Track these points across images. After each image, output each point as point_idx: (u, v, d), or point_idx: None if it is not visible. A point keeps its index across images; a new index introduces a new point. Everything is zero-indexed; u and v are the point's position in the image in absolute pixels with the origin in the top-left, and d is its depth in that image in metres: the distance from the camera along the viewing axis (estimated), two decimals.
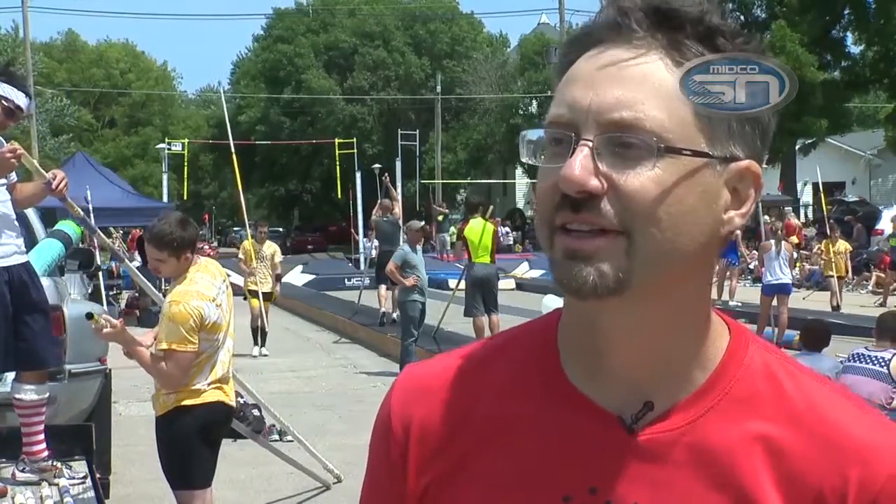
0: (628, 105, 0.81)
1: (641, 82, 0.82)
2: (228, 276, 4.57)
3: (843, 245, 18.31)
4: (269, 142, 42.69)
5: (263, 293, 13.15)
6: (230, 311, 4.41)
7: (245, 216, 15.05)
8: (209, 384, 4.28)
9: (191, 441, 4.27)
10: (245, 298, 13.11)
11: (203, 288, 4.26)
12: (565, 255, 0.83)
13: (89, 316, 4.27)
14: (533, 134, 0.88)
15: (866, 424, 0.87)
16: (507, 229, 35.10)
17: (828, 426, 0.86)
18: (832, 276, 17.27)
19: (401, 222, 14.41)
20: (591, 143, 0.82)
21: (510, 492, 0.88)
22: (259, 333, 13.10)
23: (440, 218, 30.46)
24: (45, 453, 4.63)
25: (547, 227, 0.85)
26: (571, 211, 0.82)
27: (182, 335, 4.12)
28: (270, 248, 13.65)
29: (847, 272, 18.57)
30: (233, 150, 15.69)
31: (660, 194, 0.81)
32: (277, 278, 13.77)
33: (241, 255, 13.66)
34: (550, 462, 0.88)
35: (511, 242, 34.11)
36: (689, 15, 0.84)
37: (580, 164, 0.81)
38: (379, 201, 15.67)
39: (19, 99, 4.51)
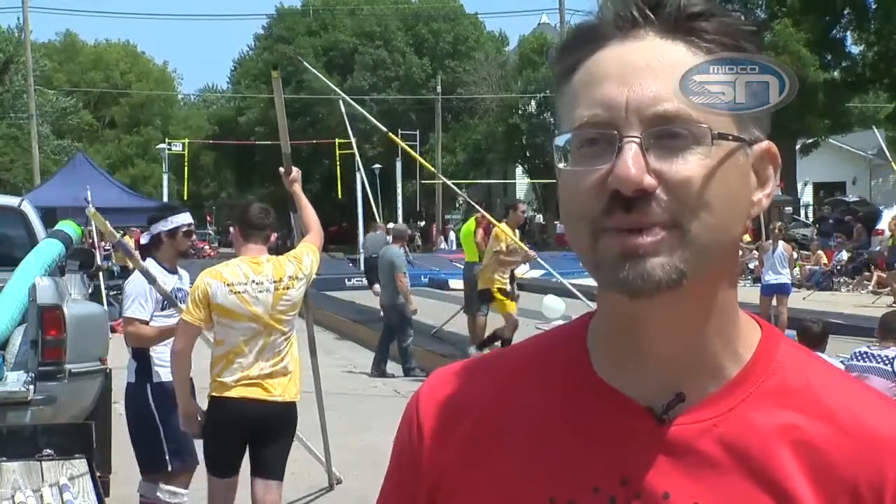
0: (669, 97, 0.81)
1: (673, 73, 0.82)
2: (298, 279, 4.47)
3: None
4: (269, 142, 42.69)
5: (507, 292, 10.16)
6: (273, 307, 4.39)
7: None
8: (236, 381, 4.36)
9: (208, 430, 4.52)
10: (490, 302, 10.25)
11: (225, 270, 4.35)
12: (624, 255, 0.81)
13: None
14: (560, 139, 0.85)
15: None
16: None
17: (861, 422, 0.86)
18: None
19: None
20: (638, 140, 0.81)
21: (538, 482, 0.88)
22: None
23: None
24: None
25: (590, 229, 0.83)
26: (624, 211, 0.81)
27: (188, 305, 4.34)
28: None
29: None
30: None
31: (709, 181, 0.82)
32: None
33: (501, 246, 9.91)
34: (579, 453, 0.88)
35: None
36: (701, 7, 0.84)
37: (634, 163, 0.80)
38: (376, 223, 18.08)
39: (183, 220, 5.09)
